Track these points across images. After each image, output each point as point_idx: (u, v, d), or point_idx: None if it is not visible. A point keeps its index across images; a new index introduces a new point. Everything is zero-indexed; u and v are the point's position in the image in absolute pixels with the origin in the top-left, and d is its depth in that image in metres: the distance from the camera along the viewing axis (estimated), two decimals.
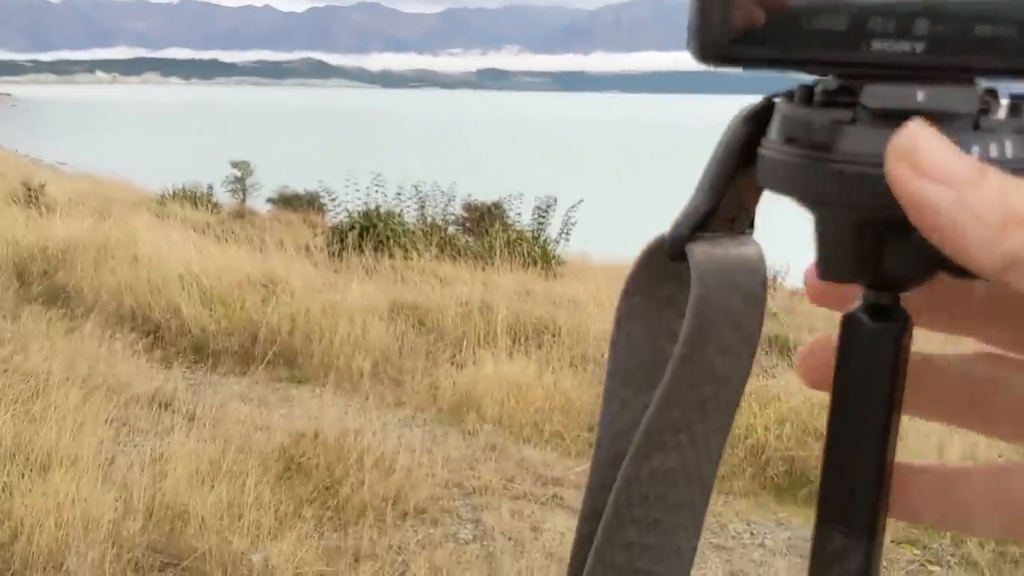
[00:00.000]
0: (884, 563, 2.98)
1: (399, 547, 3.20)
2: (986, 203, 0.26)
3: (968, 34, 0.28)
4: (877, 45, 0.28)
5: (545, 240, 10.16)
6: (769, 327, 8.97)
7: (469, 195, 12.68)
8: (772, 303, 10.53)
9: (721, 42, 0.29)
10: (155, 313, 5.64)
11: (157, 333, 5.49)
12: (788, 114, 0.31)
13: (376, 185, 10.61)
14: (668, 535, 0.35)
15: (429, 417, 4.60)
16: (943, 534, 3.44)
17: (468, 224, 12.08)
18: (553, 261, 9.61)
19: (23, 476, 3.11)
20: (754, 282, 0.34)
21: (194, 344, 5.38)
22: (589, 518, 0.36)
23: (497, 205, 12.30)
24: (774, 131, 0.32)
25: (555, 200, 10.77)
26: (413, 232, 9.76)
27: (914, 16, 0.28)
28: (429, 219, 11.04)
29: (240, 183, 18.53)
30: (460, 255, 9.22)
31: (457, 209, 12.15)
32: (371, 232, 9.42)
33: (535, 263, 9.08)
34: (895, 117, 0.28)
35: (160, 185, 15.99)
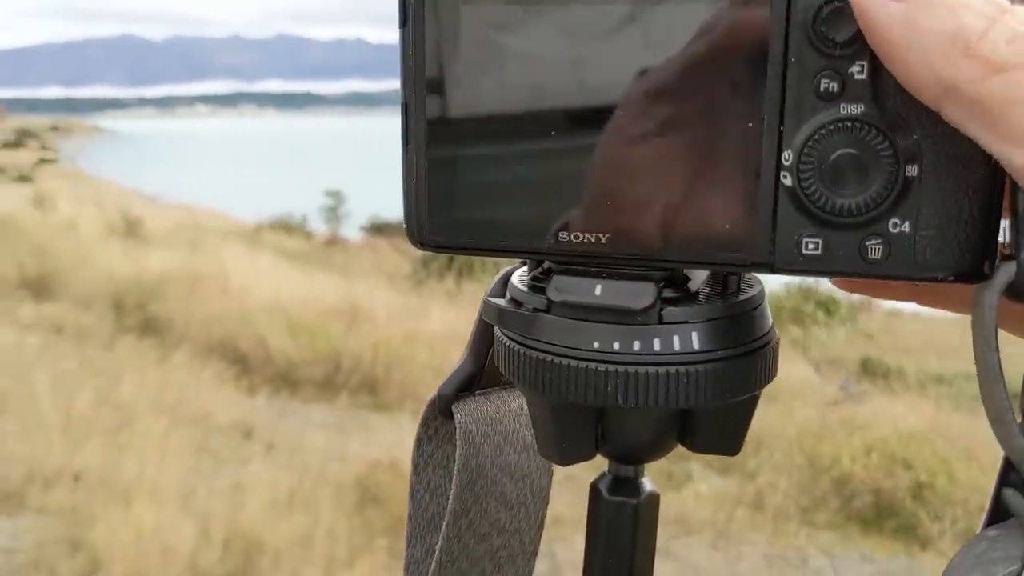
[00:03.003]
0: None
1: None
2: (936, 23, 0.23)
3: (649, 226, 0.28)
4: (564, 236, 0.29)
5: None
6: (862, 348, 8.72)
7: None
8: (869, 324, 10.26)
9: (423, 232, 0.30)
10: (242, 342, 5.78)
11: (244, 362, 5.62)
12: (510, 290, 0.31)
13: None
14: None
15: None
16: None
17: None
18: None
19: (106, 506, 3.21)
20: (530, 430, 0.34)
21: (279, 373, 5.48)
22: None
23: None
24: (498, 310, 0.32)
25: None
26: None
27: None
28: None
29: (333, 212, 18.93)
30: None
31: None
32: (455, 259, 9.51)
33: None
34: (578, 309, 0.28)
35: (255, 215, 16.44)
